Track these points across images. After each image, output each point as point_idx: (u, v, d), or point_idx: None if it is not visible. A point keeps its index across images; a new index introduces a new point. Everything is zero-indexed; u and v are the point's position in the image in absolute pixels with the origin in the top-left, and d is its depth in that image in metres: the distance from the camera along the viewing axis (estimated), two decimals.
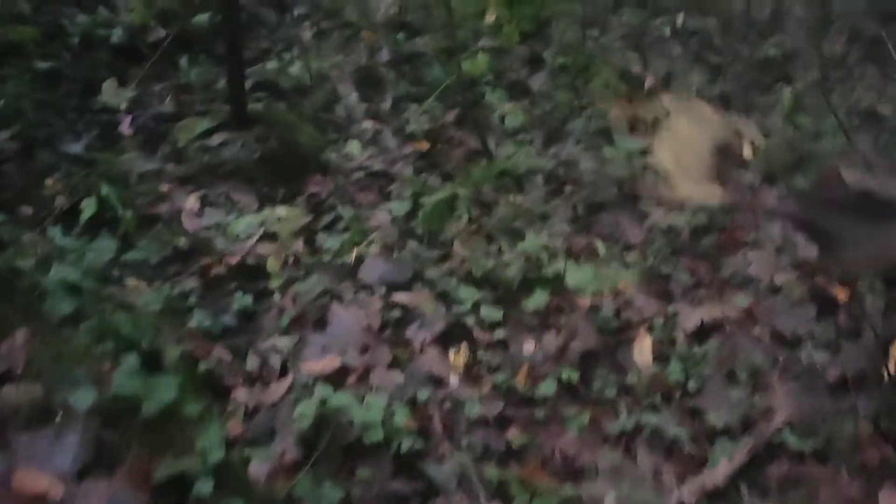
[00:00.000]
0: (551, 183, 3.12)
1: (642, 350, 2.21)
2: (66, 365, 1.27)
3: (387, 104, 3.70)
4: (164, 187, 2.87)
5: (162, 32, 3.51)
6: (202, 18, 3.52)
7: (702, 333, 2.30)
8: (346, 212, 2.86)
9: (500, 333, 2.27)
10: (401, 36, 4.27)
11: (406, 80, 3.89)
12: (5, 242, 2.14)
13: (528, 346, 2.21)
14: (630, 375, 2.15)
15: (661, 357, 2.21)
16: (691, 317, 2.35)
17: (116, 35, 3.40)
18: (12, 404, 1.17)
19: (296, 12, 4.44)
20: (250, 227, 2.66)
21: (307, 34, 4.26)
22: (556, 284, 2.41)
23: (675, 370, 2.15)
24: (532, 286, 2.40)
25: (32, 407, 1.17)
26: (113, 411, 1.22)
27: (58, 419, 1.15)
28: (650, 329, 2.29)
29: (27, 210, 2.59)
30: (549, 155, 3.32)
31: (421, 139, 3.40)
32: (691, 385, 2.11)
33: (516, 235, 2.74)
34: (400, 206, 2.90)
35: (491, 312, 2.33)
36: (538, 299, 2.30)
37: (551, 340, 2.22)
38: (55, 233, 2.36)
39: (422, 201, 2.89)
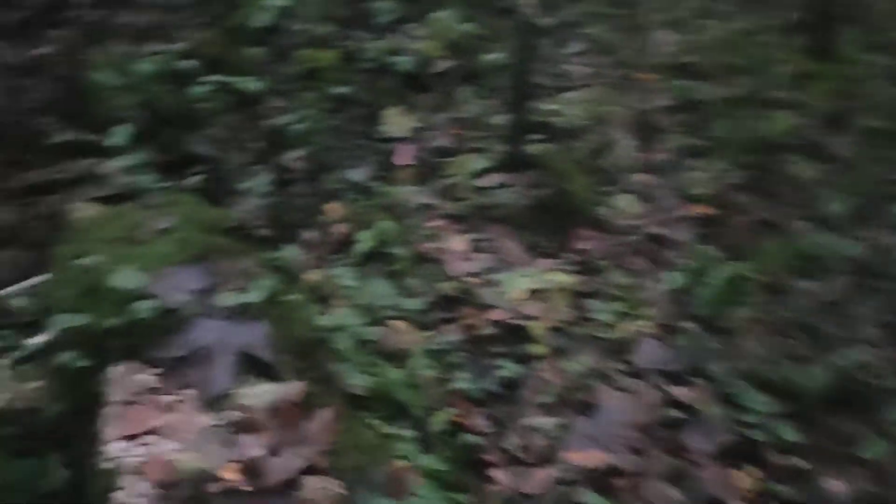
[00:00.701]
0: (858, 274, 2.68)
1: None
2: (365, 459, 1.18)
3: (664, 156, 3.42)
4: (434, 225, 2.84)
5: (448, 63, 3.51)
6: (493, 57, 3.47)
7: None
8: (618, 277, 2.65)
9: (798, 461, 1.94)
10: (683, 80, 3.97)
11: (687, 130, 3.58)
12: (292, 274, 2.17)
13: (837, 486, 1.85)
14: None
15: None
16: None
17: (405, 63, 3.45)
18: (311, 499, 1.10)
19: (572, 47, 4.30)
20: (517, 281, 2.53)
21: (583, 71, 4.10)
22: (871, 413, 2.03)
23: None
24: (842, 407, 2.03)
25: None
26: None
27: None
28: None
29: (309, 235, 2.66)
30: (857, 238, 2.87)
31: (702, 202, 3.09)
32: None
33: (815, 335, 2.37)
34: (677, 279, 2.63)
35: (787, 431, 2.00)
36: (875, 450, 1.92)
37: (866, 485, 1.85)
38: (336, 267, 2.39)
39: (702, 277, 2.60)
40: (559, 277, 2.60)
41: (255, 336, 1.37)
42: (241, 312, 1.42)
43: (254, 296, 1.42)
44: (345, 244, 2.63)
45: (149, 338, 1.34)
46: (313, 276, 2.30)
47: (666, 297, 2.57)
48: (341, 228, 2.68)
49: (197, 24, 3.26)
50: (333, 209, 2.76)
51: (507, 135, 3.13)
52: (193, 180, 2.68)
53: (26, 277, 2.11)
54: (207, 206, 1.91)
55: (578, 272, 2.69)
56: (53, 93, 2.77)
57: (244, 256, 1.64)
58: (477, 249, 2.77)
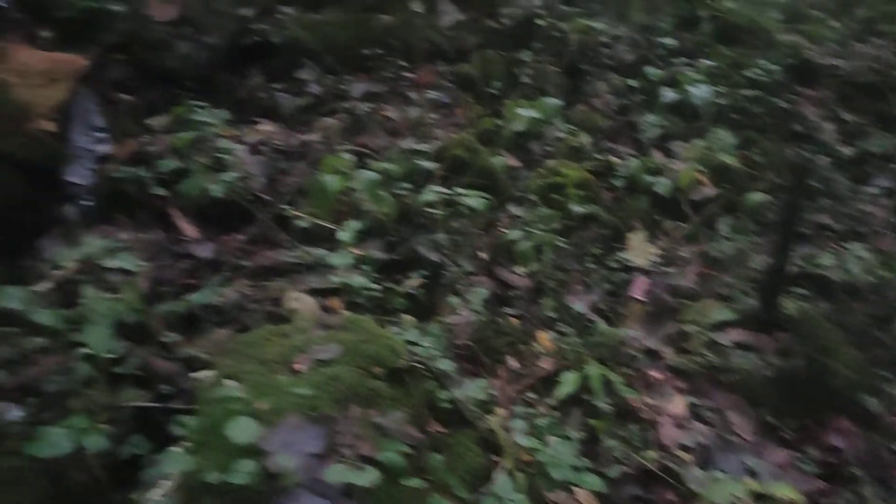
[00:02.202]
0: None
1: None
2: None
3: None
4: (654, 377, 2.50)
5: (710, 191, 3.16)
6: (756, 197, 3.07)
7: None
8: (874, 496, 2.09)
9: None
10: None
11: None
12: (467, 417, 1.99)
13: None
14: None
15: None
16: None
17: (661, 185, 3.17)
18: None
19: (875, 185, 3.67)
20: (737, 472, 2.10)
21: (877, 217, 3.47)
22: None
23: None
24: None
25: None
26: None
27: None
28: None
29: (512, 364, 2.48)
30: None
31: None
32: None
33: None
34: None
35: None
36: None
37: None
38: (527, 411, 2.17)
39: None
40: (792, 478, 2.12)
41: None
42: (347, 494, 1.27)
43: (365, 478, 1.27)
44: (545, 383, 2.40)
45: (243, 503, 1.25)
46: (495, 418, 2.10)
47: None
48: (546, 364, 2.46)
49: (452, 124, 3.30)
50: (543, 340, 2.56)
51: (763, 284, 2.70)
52: (411, 284, 2.65)
53: None
54: (385, 335, 1.81)
55: (821, 476, 2.18)
56: (306, 178, 2.93)
57: (394, 408, 1.51)
58: (697, 417, 2.38)
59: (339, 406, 1.44)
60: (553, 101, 3.30)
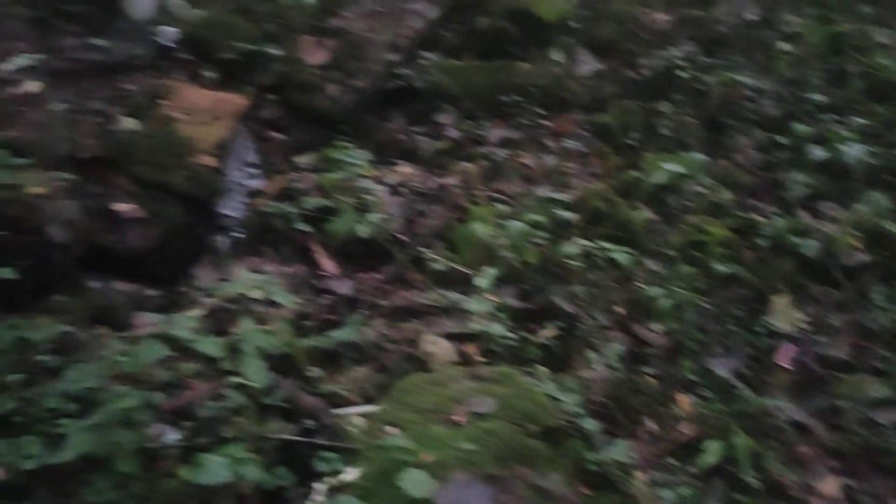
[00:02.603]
0: None
1: None
2: None
3: None
4: (803, 454, 2.35)
5: (864, 258, 2.97)
6: None
7: None
8: None
9: None
10: None
11: None
12: (613, 481, 1.92)
13: None
14: None
15: None
16: None
17: (809, 248, 3.00)
18: None
19: None
20: None
21: None
22: None
23: None
24: None
25: None
26: None
27: None
28: None
29: (651, 426, 2.38)
30: None
31: None
32: None
33: None
34: None
35: None
36: None
37: None
38: (669, 478, 2.07)
39: None
40: None
41: None
42: None
43: None
44: (686, 449, 2.30)
45: None
46: (639, 483, 2.02)
47: None
48: (686, 429, 2.35)
49: (588, 174, 3.27)
50: (683, 403, 2.45)
51: None
52: (545, 334, 2.60)
53: (367, 401, 2.20)
54: (533, 390, 1.77)
55: None
56: (444, 221, 2.96)
57: (551, 469, 1.46)
58: (852, 501, 2.21)
59: (500, 463, 1.41)
60: (697, 156, 3.21)
